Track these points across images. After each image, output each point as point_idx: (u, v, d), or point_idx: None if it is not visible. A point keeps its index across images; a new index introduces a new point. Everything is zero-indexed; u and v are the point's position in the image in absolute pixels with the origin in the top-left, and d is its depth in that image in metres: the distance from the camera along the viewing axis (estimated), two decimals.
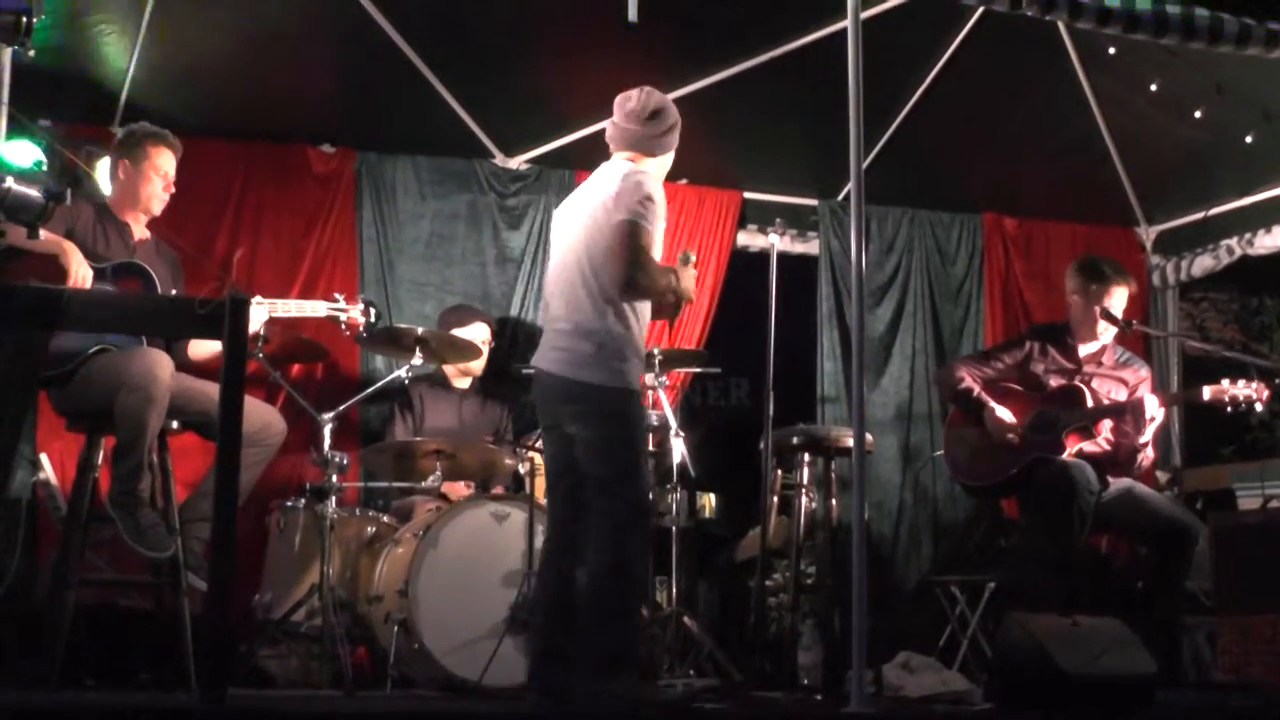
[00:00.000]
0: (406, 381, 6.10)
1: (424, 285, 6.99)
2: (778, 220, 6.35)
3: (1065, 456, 5.80)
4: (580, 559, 4.48)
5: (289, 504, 5.89)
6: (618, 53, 5.84)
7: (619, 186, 4.43)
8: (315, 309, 5.73)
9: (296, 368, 6.51)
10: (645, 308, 4.58)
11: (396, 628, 5.38)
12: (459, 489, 6.19)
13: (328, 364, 6.59)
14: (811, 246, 7.63)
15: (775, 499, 6.10)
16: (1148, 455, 5.98)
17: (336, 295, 5.81)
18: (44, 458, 6.03)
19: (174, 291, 5.32)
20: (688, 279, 4.64)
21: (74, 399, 5.06)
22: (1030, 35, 6.16)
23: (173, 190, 5.43)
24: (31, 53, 4.20)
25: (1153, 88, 6.54)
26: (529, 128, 6.98)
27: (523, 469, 5.86)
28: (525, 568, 5.42)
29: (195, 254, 6.21)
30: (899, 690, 5.44)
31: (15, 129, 4.37)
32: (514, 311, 7.07)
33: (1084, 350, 6.08)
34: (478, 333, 6.46)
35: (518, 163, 7.18)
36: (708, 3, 6.04)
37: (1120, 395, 6.02)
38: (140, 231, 5.39)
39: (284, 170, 6.83)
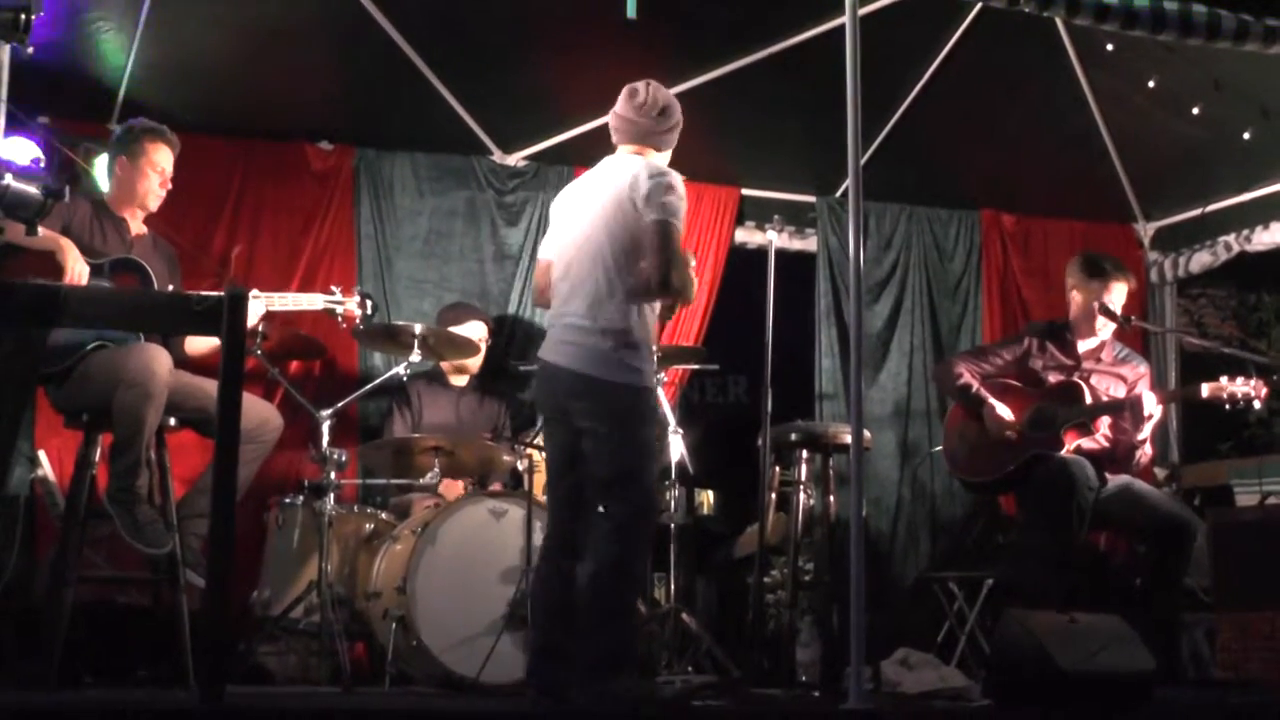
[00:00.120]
0: (405, 378, 6.11)
1: (422, 282, 6.98)
2: (776, 217, 6.36)
3: (1064, 453, 5.80)
4: (580, 556, 4.48)
5: (287, 501, 5.89)
6: (616, 50, 5.84)
7: (647, 186, 4.40)
8: (312, 302, 5.73)
9: (295, 364, 6.50)
10: (657, 306, 4.59)
11: (395, 624, 5.38)
12: (456, 487, 6.18)
13: (326, 361, 6.59)
14: (809, 243, 7.63)
15: (773, 496, 6.10)
16: (1146, 452, 5.99)
17: (333, 288, 5.81)
18: (42, 454, 6.03)
19: (171, 287, 5.33)
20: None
21: (72, 396, 5.05)
22: (1028, 31, 6.16)
23: (169, 187, 5.43)
24: (30, 49, 4.19)
25: (1151, 84, 6.54)
26: (527, 124, 6.98)
27: (521, 466, 5.86)
28: (523, 564, 5.42)
29: (192, 250, 6.21)
30: (897, 686, 5.44)
31: (14, 125, 4.37)
32: (512, 308, 7.07)
33: (1083, 346, 6.09)
34: (475, 330, 6.46)
35: (516, 159, 7.18)
36: (705, 0, 6.04)
37: (1119, 392, 6.02)
38: (137, 227, 5.39)
39: (282, 167, 6.82)
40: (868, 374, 7.42)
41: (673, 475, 5.94)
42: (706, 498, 6.59)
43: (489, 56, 6.38)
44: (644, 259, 4.40)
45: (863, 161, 4.52)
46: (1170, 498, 6.35)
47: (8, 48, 4.32)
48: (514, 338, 7.04)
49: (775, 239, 6.08)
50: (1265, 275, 8.13)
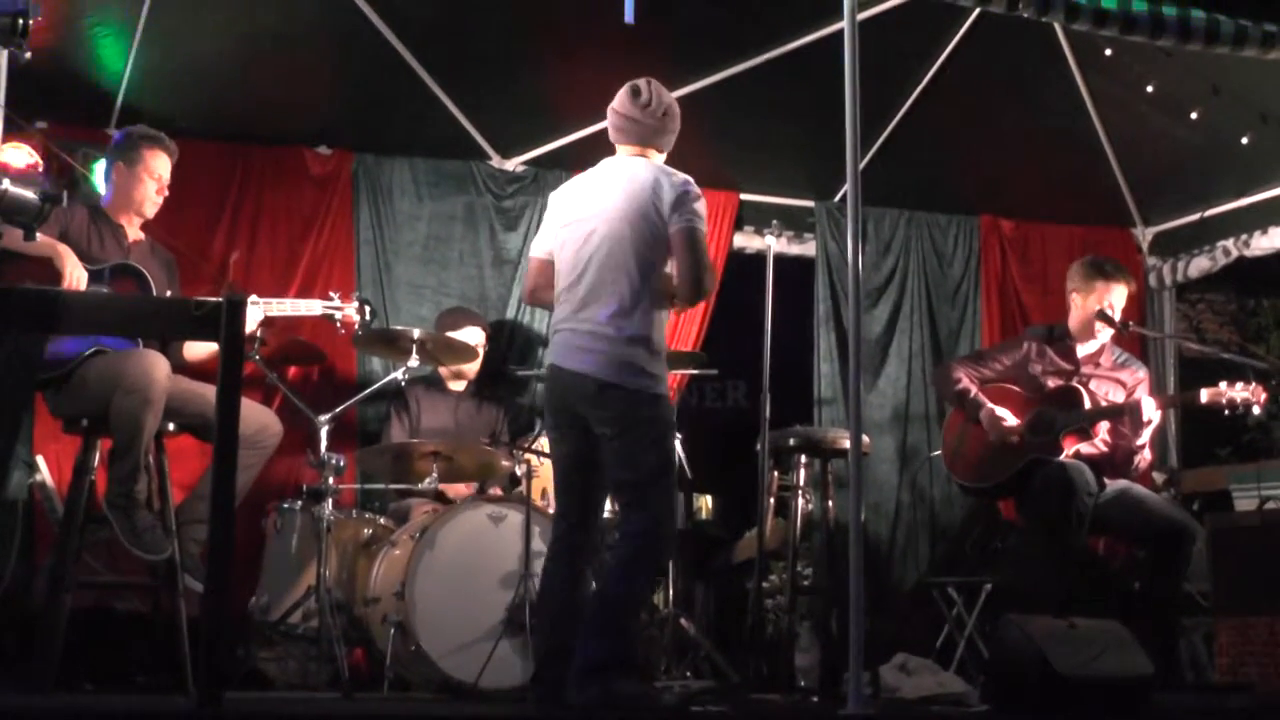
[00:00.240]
0: (403, 383, 6.10)
1: (421, 287, 6.98)
2: (774, 222, 6.37)
3: (1063, 458, 5.80)
4: (588, 559, 4.48)
5: (286, 506, 5.89)
6: (614, 55, 5.83)
7: (673, 194, 4.41)
8: (310, 308, 5.73)
9: (293, 370, 6.50)
10: (668, 312, 4.61)
11: (393, 629, 5.37)
12: (458, 490, 6.18)
13: (324, 366, 6.59)
14: (808, 248, 7.63)
15: (772, 500, 6.11)
16: (1145, 457, 5.99)
17: (331, 294, 5.81)
18: (40, 460, 6.02)
19: (169, 293, 5.32)
20: None
21: (70, 401, 5.05)
22: (1027, 36, 6.17)
23: (166, 194, 5.43)
24: (28, 55, 4.19)
25: (1149, 89, 6.55)
26: (525, 129, 6.98)
27: (519, 470, 5.85)
28: (522, 569, 5.42)
29: (191, 255, 6.20)
30: (896, 692, 5.44)
31: (12, 131, 4.37)
32: (510, 313, 7.08)
33: (1082, 351, 6.09)
34: (473, 335, 6.46)
35: (514, 164, 7.18)
36: (705, 4, 6.04)
37: (1118, 396, 6.02)
38: (134, 233, 5.39)
39: (281, 172, 6.83)
40: (866, 379, 7.41)
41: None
42: (705, 503, 6.60)
43: (487, 61, 6.38)
44: (666, 266, 4.43)
45: (861, 166, 4.51)
46: (1169, 503, 6.35)
47: (6, 53, 4.32)
48: (512, 342, 7.04)
49: (774, 244, 6.09)
50: (1264, 280, 8.14)
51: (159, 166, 5.37)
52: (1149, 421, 5.84)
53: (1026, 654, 4.55)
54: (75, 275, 4.92)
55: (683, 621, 5.91)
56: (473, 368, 6.52)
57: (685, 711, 4.65)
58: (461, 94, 6.66)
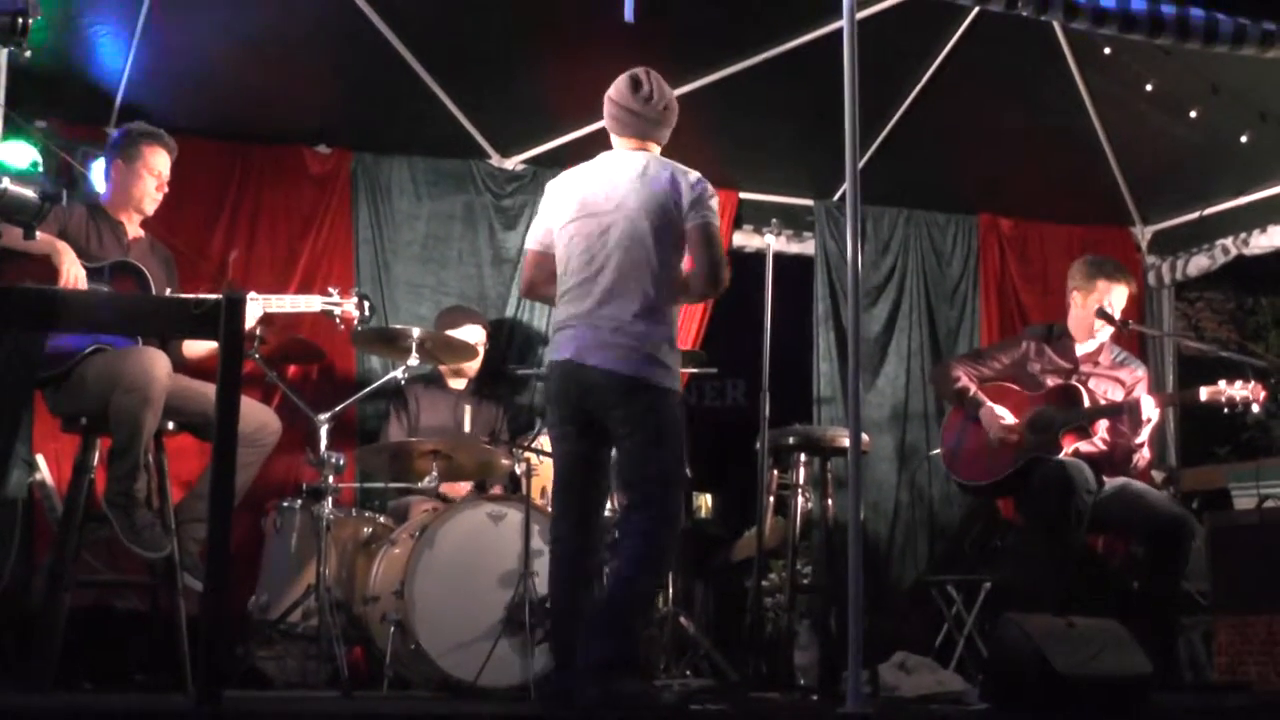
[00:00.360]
0: (402, 382, 6.10)
1: (420, 286, 6.98)
2: (773, 221, 6.38)
3: (1062, 456, 5.80)
4: (592, 561, 4.47)
5: (285, 505, 5.89)
6: (613, 54, 5.80)
7: (692, 193, 4.43)
8: (309, 304, 5.73)
9: (293, 368, 6.50)
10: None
11: (393, 628, 5.37)
12: (459, 491, 6.18)
13: (324, 364, 6.59)
14: (807, 247, 7.63)
15: (771, 499, 6.11)
16: (1144, 455, 5.99)
17: (331, 290, 5.81)
18: (40, 459, 6.02)
19: (168, 290, 5.32)
20: None
21: (70, 400, 5.05)
22: (1026, 35, 6.16)
23: (166, 190, 5.43)
24: (28, 53, 4.19)
25: (1148, 88, 6.55)
26: (524, 128, 6.98)
27: (519, 469, 5.85)
28: (521, 568, 5.42)
29: (190, 253, 6.21)
30: (895, 690, 5.45)
31: (11, 129, 4.37)
32: (510, 312, 7.07)
33: (1081, 350, 6.09)
34: (473, 334, 6.46)
35: (513, 163, 7.18)
36: (704, 3, 6.04)
37: (1117, 395, 6.02)
38: (134, 231, 5.39)
39: (280, 171, 6.83)
40: (866, 377, 7.41)
41: None
42: (705, 501, 6.60)
43: (486, 60, 6.38)
44: (681, 261, 4.47)
45: (860, 165, 4.52)
46: (1167, 498, 6.36)
47: (5, 51, 4.33)
48: (512, 341, 7.04)
49: (773, 243, 6.09)
50: (1263, 278, 8.15)
51: (158, 163, 5.37)
52: (1148, 420, 5.84)
53: (1025, 653, 4.55)
54: (74, 273, 4.93)
55: (682, 620, 5.91)
56: (473, 366, 6.52)
57: (685, 710, 4.66)
58: (461, 93, 6.65)
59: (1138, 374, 6.14)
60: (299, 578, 5.72)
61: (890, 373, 7.56)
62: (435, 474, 5.80)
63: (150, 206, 5.41)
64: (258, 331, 5.55)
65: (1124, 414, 5.88)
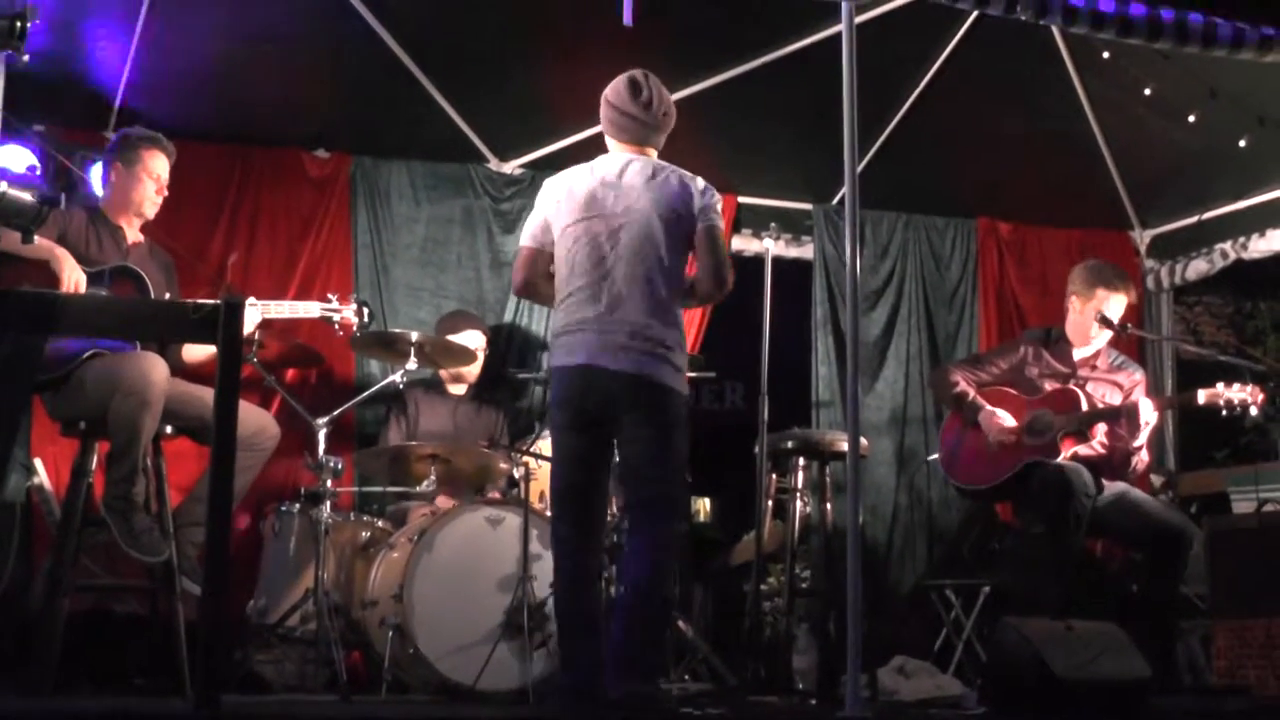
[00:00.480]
0: (402, 386, 6.10)
1: (418, 290, 6.98)
2: (772, 225, 6.39)
3: (1061, 460, 5.81)
4: (595, 562, 4.49)
5: (284, 508, 5.89)
6: (612, 57, 5.81)
7: (702, 199, 4.48)
8: (308, 310, 5.74)
9: (291, 372, 6.51)
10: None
11: (391, 632, 5.37)
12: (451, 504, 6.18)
13: (322, 369, 6.58)
14: (806, 251, 7.63)
15: (770, 503, 6.12)
16: (1142, 459, 5.99)
17: (330, 296, 5.81)
18: (38, 463, 6.02)
19: (168, 295, 5.32)
20: None
21: (68, 404, 5.05)
22: (1024, 39, 6.16)
23: (165, 194, 5.43)
24: (26, 57, 4.19)
25: (1147, 92, 6.55)
26: (523, 132, 6.98)
27: (517, 473, 5.85)
28: (520, 572, 5.41)
29: (189, 257, 6.20)
30: (894, 694, 5.45)
31: (10, 133, 4.36)
32: (509, 316, 7.07)
33: (1079, 354, 6.09)
34: (472, 338, 6.46)
35: (512, 167, 7.18)
36: (703, 7, 6.05)
37: (1115, 399, 6.02)
38: (133, 235, 5.39)
39: (279, 175, 6.82)
40: (864, 382, 7.41)
41: None
42: (703, 505, 6.60)
43: (485, 64, 6.38)
44: (687, 265, 4.51)
45: (859, 169, 4.52)
46: (1166, 505, 6.36)
47: (3, 55, 4.32)
48: (511, 345, 7.03)
49: (772, 247, 6.10)
50: (1261, 283, 8.16)
51: (157, 167, 5.37)
52: (1146, 423, 5.84)
53: (1024, 656, 4.55)
54: (73, 278, 4.93)
55: (680, 624, 5.90)
56: (472, 371, 6.52)
57: (683, 714, 4.66)
58: (459, 97, 6.66)
59: (1135, 378, 6.14)
60: (297, 582, 5.72)
61: (889, 377, 7.56)
62: (434, 478, 5.80)
63: (150, 210, 5.41)
64: (256, 336, 5.56)
65: (1122, 417, 5.88)
